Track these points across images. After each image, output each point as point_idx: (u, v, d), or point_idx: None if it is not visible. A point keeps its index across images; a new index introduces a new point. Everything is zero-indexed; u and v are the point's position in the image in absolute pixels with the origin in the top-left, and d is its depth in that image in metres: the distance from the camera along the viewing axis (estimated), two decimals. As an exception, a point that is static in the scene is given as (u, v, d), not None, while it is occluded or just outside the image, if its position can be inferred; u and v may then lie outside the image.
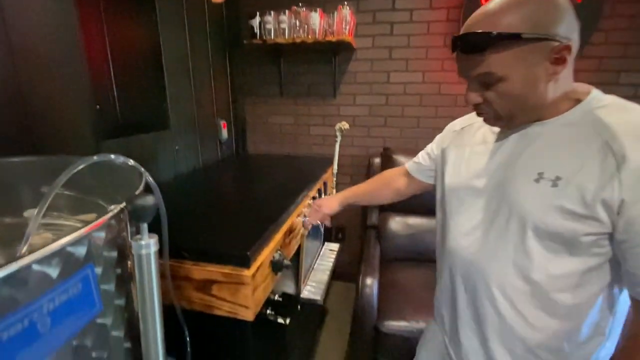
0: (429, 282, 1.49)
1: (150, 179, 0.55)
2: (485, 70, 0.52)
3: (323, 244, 1.70)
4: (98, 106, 1.08)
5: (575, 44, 0.50)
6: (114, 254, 0.37)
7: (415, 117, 1.91)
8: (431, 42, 1.77)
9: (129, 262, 0.39)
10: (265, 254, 0.89)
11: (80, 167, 0.46)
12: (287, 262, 0.97)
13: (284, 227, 1.04)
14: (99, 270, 0.34)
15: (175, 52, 1.47)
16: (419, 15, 1.75)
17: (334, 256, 1.60)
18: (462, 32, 0.54)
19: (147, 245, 0.38)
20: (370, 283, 1.28)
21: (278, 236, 0.98)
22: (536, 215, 0.53)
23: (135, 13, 1.23)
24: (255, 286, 0.82)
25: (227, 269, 0.80)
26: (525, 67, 0.50)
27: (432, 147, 0.85)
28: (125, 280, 0.39)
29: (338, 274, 2.15)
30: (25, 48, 0.85)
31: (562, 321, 0.57)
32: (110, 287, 0.36)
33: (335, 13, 1.65)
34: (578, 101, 0.55)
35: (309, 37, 1.68)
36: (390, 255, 1.70)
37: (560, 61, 0.50)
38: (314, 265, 1.53)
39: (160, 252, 0.67)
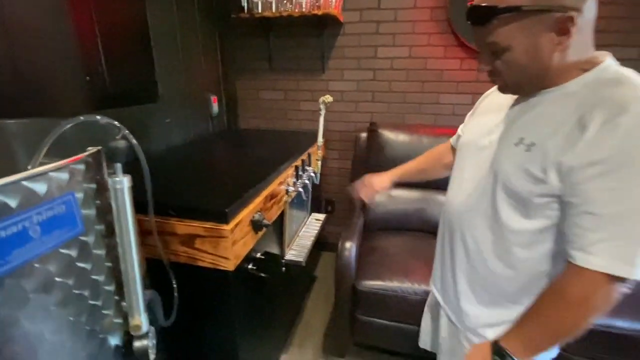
0: (406, 248, 1.60)
1: (130, 135, 0.62)
2: (491, 40, 0.54)
3: (310, 214, 1.79)
4: (88, 78, 1.13)
5: (586, 13, 0.51)
6: (93, 186, 0.44)
7: (401, 92, 1.95)
8: (418, 16, 1.79)
9: (108, 196, 0.47)
10: (245, 213, 0.97)
11: (69, 126, 0.53)
12: (266, 222, 1.05)
13: (265, 192, 1.12)
14: (80, 196, 0.41)
15: (163, 26, 1.50)
16: (406, -11, 1.76)
17: (319, 225, 1.69)
18: (472, 4, 0.55)
19: (121, 182, 0.46)
20: (349, 246, 1.37)
21: (258, 199, 1.06)
22: (507, 175, 0.59)
23: (121, -14, 1.26)
24: (234, 240, 0.91)
25: (208, 224, 0.88)
26: (528, 38, 0.52)
27: (467, 117, 0.85)
28: (104, 212, 0.47)
29: (327, 245, 2.26)
30: (18, 22, 0.90)
31: (516, 272, 0.64)
32: (91, 212, 0.44)
33: (322, -14, 1.66)
34: (586, 71, 0.55)
35: (296, 10, 1.70)
36: (374, 225, 1.78)
37: (564, 32, 0.50)
38: (300, 232, 1.62)
39: (145, 209, 0.75)
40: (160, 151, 1.50)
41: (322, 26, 1.87)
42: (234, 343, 1.03)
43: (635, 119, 0.47)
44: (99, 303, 0.46)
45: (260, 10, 1.74)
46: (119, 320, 0.51)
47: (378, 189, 0.99)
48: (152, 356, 0.54)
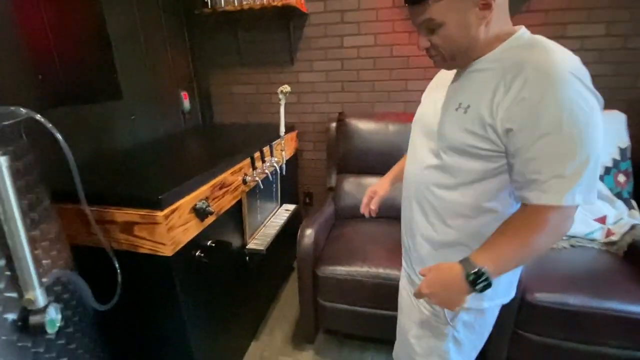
0: (372, 235, 1.61)
1: (46, 124, 0.66)
2: (427, 17, 0.61)
3: (280, 205, 1.81)
4: (40, 76, 1.17)
5: None
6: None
7: (370, 81, 1.95)
8: (380, 4, 1.78)
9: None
10: (186, 201, 1.00)
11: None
12: (210, 210, 1.08)
13: (213, 181, 1.14)
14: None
15: (123, 23, 1.53)
16: (367, -24, 1.76)
17: (287, 215, 1.72)
18: None
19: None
20: (309, 233, 1.39)
21: (203, 188, 1.09)
22: (452, 136, 0.67)
23: (73, -14, 1.29)
24: (171, 226, 0.94)
25: (143, 211, 0.91)
26: (458, 13, 0.60)
27: (422, 98, 0.90)
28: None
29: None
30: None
31: (467, 221, 0.71)
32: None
33: (281, -22, 1.66)
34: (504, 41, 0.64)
35: (257, 2, 1.71)
36: (345, 213, 1.80)
37: (486, 7, 0.58)
38: (267, 222, 1.65)
39: (78, 198, 0.78)
40: (125, 148, 1.54)
41: (288, 18, 1.88)
42: (183, 330, 1.06)
43: (545, 74, 0.55)
44: (-19, 277, 0.49)
45: (223, 5, 1.76)
46: (12, 295, 0.54)
47: (382, 194, 1.03)
48: (51, 330, 0.57)
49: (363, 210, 1.05)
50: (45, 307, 0.57)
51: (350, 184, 1.82)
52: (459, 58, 0.66)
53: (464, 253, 0.66)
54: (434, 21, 0.61)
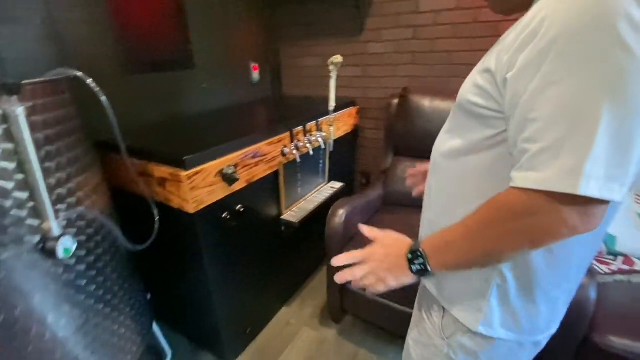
0: (412, 226, 1.43)
1: (86, 79, 0.77)
2: None
3: (328, 182, 1.78)
4: (122, 46, 1.37)
5: None
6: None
7: (446, 52, 1.68)
8: (468, -45, 1.48)
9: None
10: (212, 165, 1.06)
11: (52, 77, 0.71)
12: (236, 176, 1.12)
13: (245, 150, 1.18)
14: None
15: (199, -2, 1.66)
16: None
17: (330, 192, 1.68)
18: None
19: (15, 110, 0.59)
20: (340, 214, 1.33)
21: (233, 155, 1.14)
22: (461, 92, 0.56)
23: (156, -37, 1.44)
24: (194, 186, 1.01)
25: (171, 170, 1.01)
26: None
27: None
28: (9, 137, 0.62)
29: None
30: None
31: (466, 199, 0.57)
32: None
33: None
34: None
35: (324, -32, 1.62)
36: (392, 199, 1.66)
37: None
38: (308, 197, 1.65)
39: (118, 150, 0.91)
40: (191, 113, 1.71)
41: (359, -19, 1.73)
42: (206, 283, 1.17)
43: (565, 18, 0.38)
44: (6, 203, 0.62)
45: (291, -27, 1.73)
46: (34, 222, 0.67)
47: (423, 170, 0.88)
48: (65, 255, 0.69)
49: (414, 191, 0.90)
50: (60, 236, 0.69)
51: (403, 168, 1.66)
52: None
53: None
54: None
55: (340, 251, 1.33)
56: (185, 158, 0.98)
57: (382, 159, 1.86)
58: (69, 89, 0.81)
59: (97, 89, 0.83)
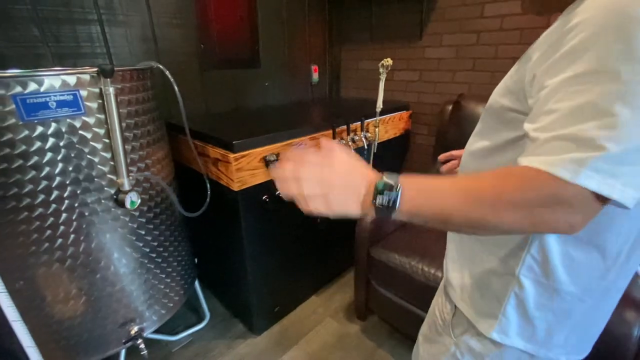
0: (444, 234, 1.38)
1: (165, 71, 0.96)
2: None
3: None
4: (202, 45, 1.60)
5: None
6: (96, 90, 0.78)
7: (511, 59, 1.58)
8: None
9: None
10: (257, 151, 1.20)
11: (137, 67, 0.91)
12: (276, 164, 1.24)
13: (288, 141, 1.29)
14: (84, 93, 0.76)
15: (271, 2, 1.84)
16: None
17: (371, 192, 1.70)
18: None
19: (109, 89, 0.77)
20: (373, 212, 1.36)
21: (277, 144, 1.26)
22: (492, 95, 0.56)
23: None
24: (239, 168, 1.15)
25: (222, 151, 1.17)
26: None
27: None
28: (103, 110, 0.81)
29: (403, 223, 2.18)
30: (160, 4, 1.42)
31: None
32: (93, 105, 0.78)
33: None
34: None
35: (388, -26, 1.67)
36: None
37: None
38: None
39: (184, 131, 1.10)
40: (254, 107, 1.91)
41: (423, -13, 1.74)
42: (243, 257, 1.31)
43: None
44: (95, 159, 0.81)
45: (357, -20, 1.81)
46: (112, 177, 0.86)
47: (456, 154, 0.86)
48: (131, 207, 0.88)
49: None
50: (129, 191, 0.87)
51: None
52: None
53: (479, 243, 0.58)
54: None
55: (367, 251, 1.36)
56: (234, 142, 1.12)
57: (430, 165, 1.82)
58: (151, 77, 1.01)
59: (172, 79, 1.01)
